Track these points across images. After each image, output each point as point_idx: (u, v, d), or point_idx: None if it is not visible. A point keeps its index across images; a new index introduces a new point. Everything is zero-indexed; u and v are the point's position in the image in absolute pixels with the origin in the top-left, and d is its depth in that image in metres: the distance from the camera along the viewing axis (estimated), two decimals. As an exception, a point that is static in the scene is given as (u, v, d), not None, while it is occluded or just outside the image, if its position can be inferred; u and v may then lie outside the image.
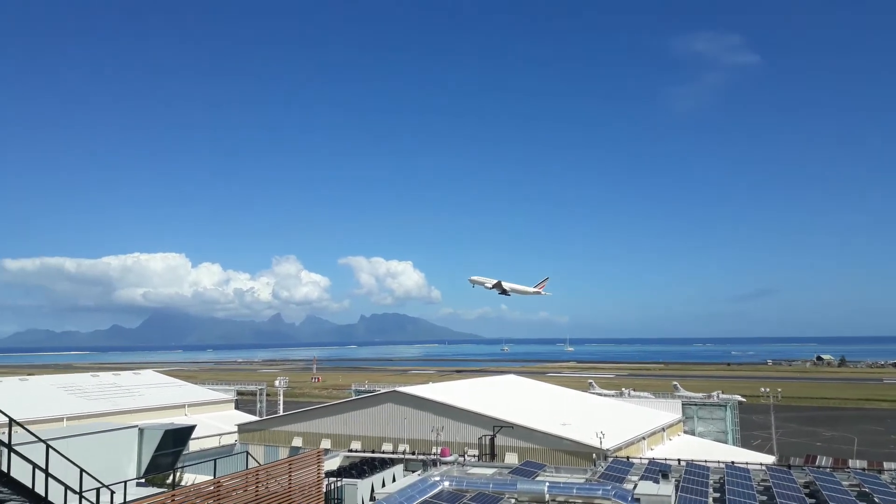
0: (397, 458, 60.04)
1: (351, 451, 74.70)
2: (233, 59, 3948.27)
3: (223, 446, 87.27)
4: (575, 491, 38.76)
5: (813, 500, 40.33)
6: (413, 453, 69.76)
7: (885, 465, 66.61)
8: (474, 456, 68.26)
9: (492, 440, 69.70)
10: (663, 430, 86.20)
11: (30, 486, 20.37)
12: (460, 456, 61.07)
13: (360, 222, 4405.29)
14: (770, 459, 79.09)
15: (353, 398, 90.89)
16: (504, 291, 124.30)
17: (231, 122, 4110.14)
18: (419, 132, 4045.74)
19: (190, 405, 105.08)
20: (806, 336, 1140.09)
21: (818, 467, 60.28)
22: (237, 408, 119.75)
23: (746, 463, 55.26)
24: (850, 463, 69.89)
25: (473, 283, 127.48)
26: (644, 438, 76.88)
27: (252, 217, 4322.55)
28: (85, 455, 24.34)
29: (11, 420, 21.03)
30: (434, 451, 67.62)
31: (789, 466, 56.19)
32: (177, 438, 31.82)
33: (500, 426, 70.06)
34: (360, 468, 50.08)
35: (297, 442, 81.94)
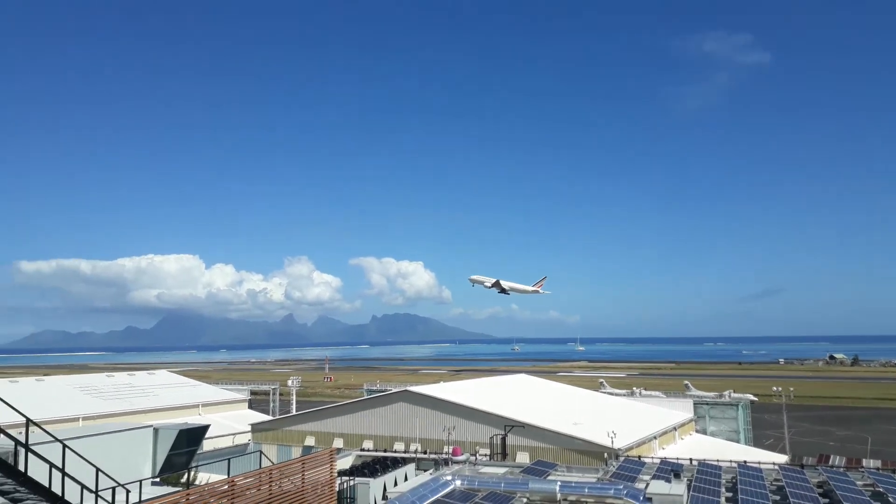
0: (409, 458, 60.26)
1: (363, 450, 75.02)
2: (238, 60, 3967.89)
3: (237, 446, 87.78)
4: (587, 490, 38.70)
5: (826, 500, 40.07)
6: (425, 452, 69.96)
7: (900, 464, 66.09)
8: (486, 455, 68.30)
9: (503, 439, 69.70)
10: (675, 429, 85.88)
11: (47, 485, 20.64)
12: (472, 455, 61.13)
13: (371, 223, 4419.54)
14: (783, 459, 78.62)
15: (365, 398, 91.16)
16: (503, 290, 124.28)
17: (242, 124, 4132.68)
18: (427, 133, 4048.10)
19: (204, 405, 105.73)
20: (818, 335, 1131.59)
21: (832, 467, 59.87)
22: (250, 407, 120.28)
23: (759, 462, 54.98)
24: (864, 462, 69.38)
25: (473, 282, 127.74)
26: (656, 438, 76.65)
27: (264, 218, 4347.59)
28: (101, 454, 24.66)
29: (28, 420, 21.31)
30: (446, 450, 67.79)
31: (802, 466, 55.82)
32: (191, 438, 32.16)
33: (511, 425, 70.06)
34: (373, 467, 50.29)
35: (310, 441, 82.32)
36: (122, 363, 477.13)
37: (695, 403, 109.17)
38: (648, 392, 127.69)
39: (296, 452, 78.79)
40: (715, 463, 52.05)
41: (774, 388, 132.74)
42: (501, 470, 48.38)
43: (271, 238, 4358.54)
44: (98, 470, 22.92)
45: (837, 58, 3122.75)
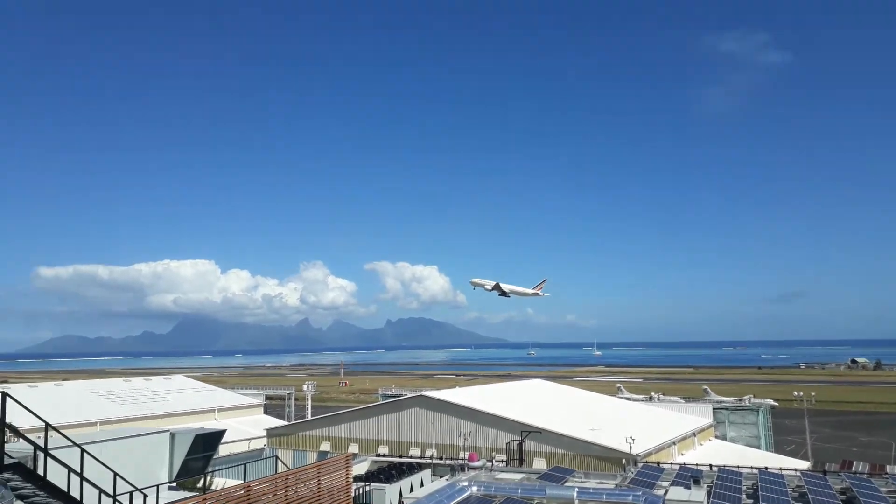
0: (425, 463, 59.92)
1: (378, 455, 74.86)
2: (252, 66, 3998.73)
3: (253, 451, 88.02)
4: (605, 497, 38.32)
5: (850, 507, 39.44)
6: (441, 458, 69.63)
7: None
8: (502, 461, 67.91)
9: (520, 445, 69.24)
10: (694, 434, 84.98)
11: (65, 489, 20.69)
12: (488, 461, 60.79)
13: (386, 228, 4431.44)
14: (805, 465, 77.59)
15: (381, 403, 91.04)
16: (503, 293, 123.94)
17: (257, 131, 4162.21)
18: (442, 136, 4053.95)
19: (220, 410, 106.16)
20: (840, 339, 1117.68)
21: (855, 473, 59.01)
22: (266, 412, 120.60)
23: (780, 468, 54.20)
24: (888, 469, 68.27)
25: (474, 285, 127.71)
26: (674, 443, 75.84)
27: (279, 224, 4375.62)
28: (118, 459, 24.73)
29: (47, 425, 21.40)
30: (461, 455, 67.44)
31: (825, 472, 54.99)
32: (207, 443, 32.21)
33: (527, 431, 69.60)
34: (388, 473, 50.08)
35: (326, 446, 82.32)
36: (138, 368, 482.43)
37: (714, 408, 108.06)
38: (666, 397, 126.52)
39: (311, 457, 78.84)
40: (735, 469, 51.36)
41: (795, 393, 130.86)
42: (518, 476, 48.09)
43: (286, 243, 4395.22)
44: (115, 474, 22.97)
45: (861, 55, 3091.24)
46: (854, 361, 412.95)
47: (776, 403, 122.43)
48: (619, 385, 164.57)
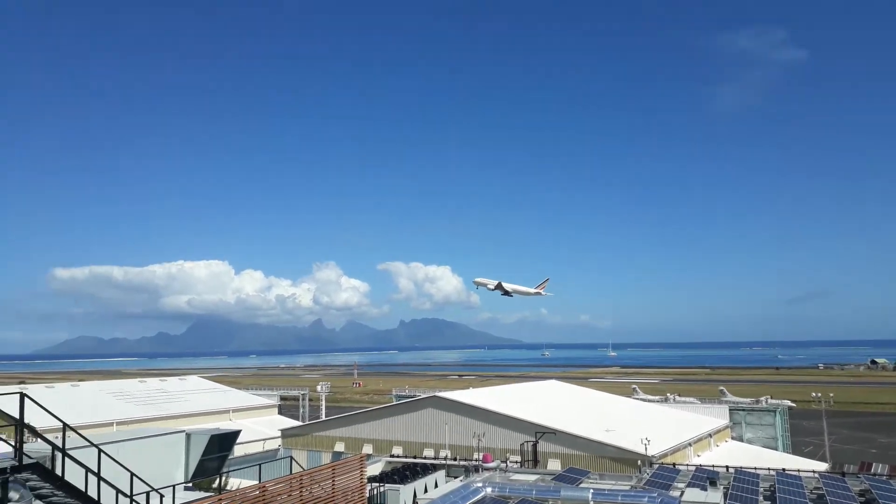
0: (439, 464, 59.92)
1: (392, 456, 74.92)
2: (264, 68, 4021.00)
3: (267, 451, 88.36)
4: (620, 498, 38.11)
5: (869, 510, 38.97)
6: (455, 459, 69.56)
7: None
8: (516, 462, 67.77)
9: (534, 446, 69.07)
10: (710, 436, 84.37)
11: (83, 489, 20.85)
12: (502, 462, 60.67)
13: (398, 228, 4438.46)
14: (823, 467, 76.81)
15: (394, 403, 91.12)
16: (506, 292, 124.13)
17: (271, 133, 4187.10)
18: (454, 137, 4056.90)
19: (234, 410, 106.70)
20: (858, 339, 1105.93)
21: (874, 475, 58.30)
22: (280, 413, 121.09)
23: (798, 470, 53.69)
24: (908, 471, 67.35)
25: (478, 284, 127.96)
26: (690, 445, 75.34)
27: (293, 224, 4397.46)
28: (134, 459, 24.88)
29: (65, 425, 21.58)
30: (476, 456, 67.34)
31: (843, 474, 54.41)
32: (223, 443, 32.38)
33: (542, 432, 69.41)
34: (403, 473, 50.11)
35: (340, 447, 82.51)
36: (153, 369, 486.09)
37: (730, 409, 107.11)
38: (682, 398, 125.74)
39: (325, 458, 79.07)
40: (752, 470, 50.94)
41: (814, 394, 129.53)
42: (532, 477, 47.99)
43: (300, 244, 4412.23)
44: (132, 474, 23.12)
45: (879, 50, 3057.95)
46: (874, 362, 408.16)
47: (794, 404, 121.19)
48: (634, 386, 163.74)
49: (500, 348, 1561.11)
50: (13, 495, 19.07)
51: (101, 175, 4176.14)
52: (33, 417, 20.68)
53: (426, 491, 46.37)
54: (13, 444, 19.39)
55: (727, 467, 54.02)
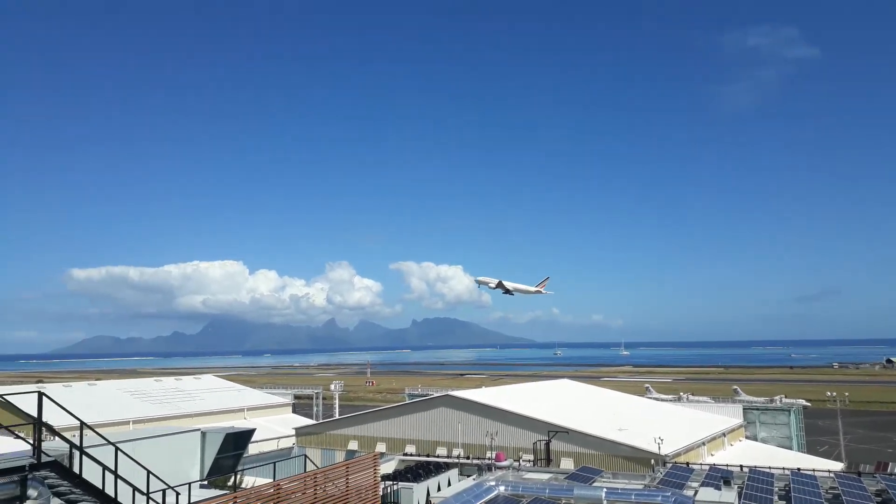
0: (452, 463, 60.07)
1: (406, 454, 75.12)
2: (277, 69, 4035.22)
3: (281, 449, 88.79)
4: (633, 497, 38.05)
5: (886, 510, 38.65)
6: (468, 457, 69.65)
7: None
8: (529, 461, 67.76)
9: (547, 445, 69.03)
10: (724, 435, 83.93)
11: (100, 487, 21.06)
12: (515, 461, 60.68)
13: (410, 228, 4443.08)
14: (838, 466, 76.17)
15: (407, 402, 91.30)
16: (507, 291, 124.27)
17: (283, 133, 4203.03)
18: (465, 137, 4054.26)
19: (249, 409, 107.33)
20: (874, 338, 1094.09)
21: (890, 475, 57.69)
22: (294, 411, 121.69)
23: (813, 470, 53.32)
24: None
25: (479, 283, 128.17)
26: (704, 444, 74.99)
27: (306, 225, 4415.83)
28: (151, 457, 25.08)
29: (82, 423, 21.80)
30: (488, 455, 67.41)
31: (859, 474, 53.94)
32: (237, 442, 32.55)
33: (555, 431, 69.35)
34: (416, 472, 50.26)
35: (353, 445, 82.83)
36: (169, 368, 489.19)
37: (744, 409, 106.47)
38: (696, 397, 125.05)
39: (339, 456, 79.39)
40: (767, 470, 50.64)
41: (828, 393, 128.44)
42: (545, 476, 47.97)
43: (313, 244, 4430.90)
44: (149, 472, 23.33)
45: (891, 49, 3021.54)
46: (889, 361, 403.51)
47: (808, 404, 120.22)
48: (647, 385, 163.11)
49: (512, 347, 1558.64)
50: (32, 493, 19.27)
51: (116, 176, 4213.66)
52: (51, 416, 20.93)
53: (439, 489, 46.50)
54: (32, 442, 19.63)
55: (741, 467, 53.76)
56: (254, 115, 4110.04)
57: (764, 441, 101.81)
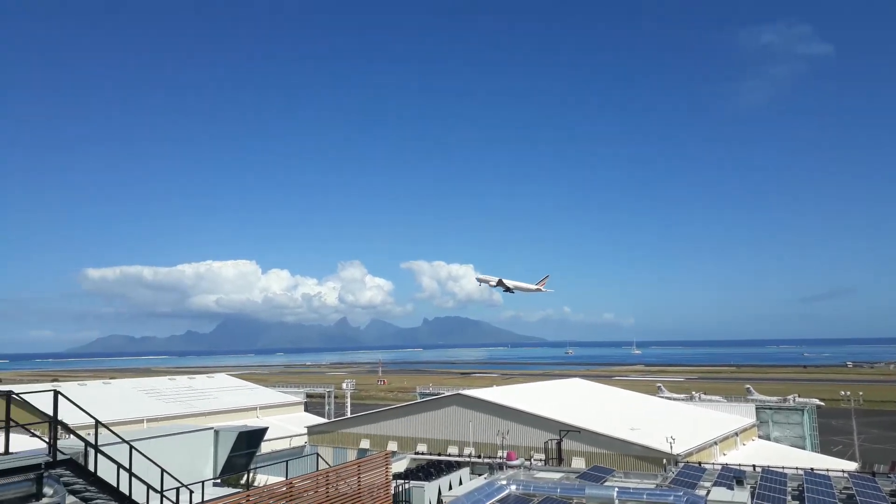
0: (463, 461, 60.10)
1: (417, 453, 75.24)
2: (290, 70, 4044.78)
3: (294, 448, 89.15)
4: (645, 497, 37.93)
5: (901, 510, 38.32)
6: (479, 456, 69.69)
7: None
8: (541, 460, 67.71)
9: (558, 444, 68.95)
10: (736, 434, 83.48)
11: (115, 484, 21.27)
12: (526, 460, 60.65)
13: (421, 227, 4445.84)
14: (852, 466, 75.56)
15: (419, 401, 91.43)
16: (507, 289, 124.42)
17: (295, 133, 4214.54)
18: (478, 137, 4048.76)
19: (261, 407, 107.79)
20: (888, 337, 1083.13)
21: (906, 475, 57.13)
22: (306, 410, 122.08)
23: (827, 470, 52.90)
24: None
25: (480, 281, 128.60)
26: (716, 443, 74.63)
27: (318, 224, 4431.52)
28: (165, 455, 25.29)
29: (97, 422, 22.02)
30: (500, 454, 67.42)
31: (874, 474, 53.48)
32: (250, 440, 32.70)
33: (566, 430, 69.25)
34: (427, 471, 50.32)
35: (365, 444, 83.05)
36: (182, 366, 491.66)
37: (757, 408, 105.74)
38: (708, 396, 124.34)
39: (351, 455, 79.67)
40: (780, 470, 50.32)
41: (842, 393, 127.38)
42: (557, 475, 47.92)
43: (325, 243, 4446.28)
44: (163, 471, 23.54)
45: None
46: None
47: (822, 403, 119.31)
48: (659, 384, 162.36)
49: (523, 346, 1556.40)
50: (47, 490, 19.48)
51: (130, 177, 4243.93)
52: (67, 414, 21.15)
53: (451, 488, 46.52)
54: (47, 440, 19.86)
55: (754, 466, 53.44)
56: (264, 116, 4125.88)
57: (777, 441, 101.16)
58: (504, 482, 41.68)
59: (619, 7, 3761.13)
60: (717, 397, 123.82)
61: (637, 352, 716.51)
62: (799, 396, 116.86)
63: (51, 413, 20.10)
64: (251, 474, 40.74)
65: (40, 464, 19.31)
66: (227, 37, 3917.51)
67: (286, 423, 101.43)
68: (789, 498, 41.33)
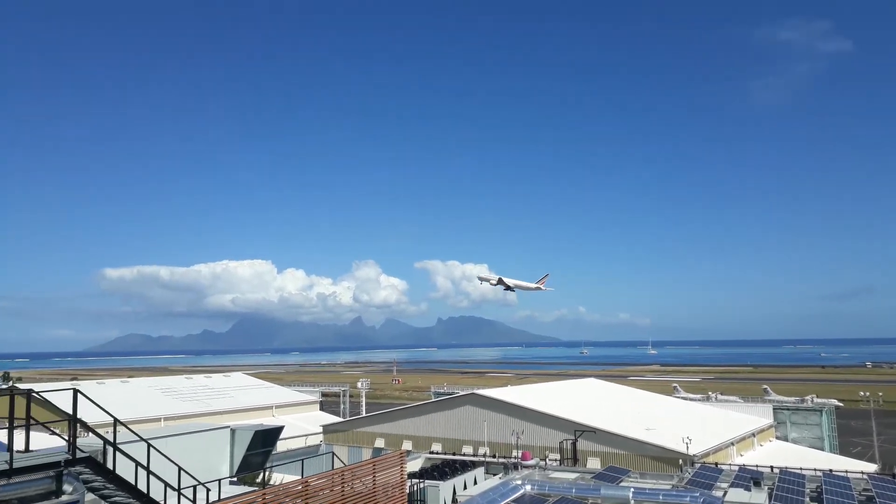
0: (478, 461, 60.06)
1: (432, 452, 75.32)
2: (303, 70, 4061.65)
3: (309, 447, 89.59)
4: (661, 497, 37.73)
5: (921, 513, 37.83)
6: (493, 456, 69.67)
7: None
8: (556, 460, 67.54)
9: (573, 444, 68.76)
10: (753, 435, 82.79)
11: (133, 482, 21.49)
12: (541, 460, 60.52)
13: (436, 227, 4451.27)
14: (872, 468, 74.73)
15: (433, 400, 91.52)
16: (508, 287, 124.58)
17: (310, 133, 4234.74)
18: (490, 137, 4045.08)
19: (277, 406, 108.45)
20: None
21: (926, 477, 56.42)
22: (321, 409, 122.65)
23: (846, 471, 52.33)
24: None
25: (481, 280, 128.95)
26: (733, 444, 74.06)
27: (333, 225, 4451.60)
28: (181, 454, 25.52)
29: (116, 420, 22.25)
30: (514, 454, 67.34)
31: (893, 475, 52.87)
32: (266, 439, 32.90)
33: (581, 430, 69.04)
34: (442, 470, 50.33)
35: (380, 443, 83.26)
36: (199, 366, 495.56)
37: (774, 409, 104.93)
38: (725, 397, 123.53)
39: (366, 454, 79.84)
40: (798, 471, 49.86)
41: (861, 393, 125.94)
42: (572, 475, 47.77)
43: (340, 243, 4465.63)
44: (180, 469, 23.75)
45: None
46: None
47: (841, 404, 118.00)
48: (675, 384, 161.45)
49: (537, 346, 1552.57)
50: (67, 488, 19.73)
51: (148, 178, 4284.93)
52: (85, 413, 21.40)
53: (465, 488, 46.50)
54: (67, 438, 20.11)
55: (771, 467, 52.96)
56: (280, 117, 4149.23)
57: (795, 442, 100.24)
58: (519, 482, 41.64)
59: (623, 6, 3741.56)
60: (733, 398, 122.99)
61: (653, 352, 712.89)
62: (817, 397, 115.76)
63: (70, 411, 20.34)
64: (267, 473, 41.04)
65: (60, 461, 19.56)
66: (225, 37, 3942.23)
67: (302, 421, 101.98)
68: (807, 499, 40.93)
